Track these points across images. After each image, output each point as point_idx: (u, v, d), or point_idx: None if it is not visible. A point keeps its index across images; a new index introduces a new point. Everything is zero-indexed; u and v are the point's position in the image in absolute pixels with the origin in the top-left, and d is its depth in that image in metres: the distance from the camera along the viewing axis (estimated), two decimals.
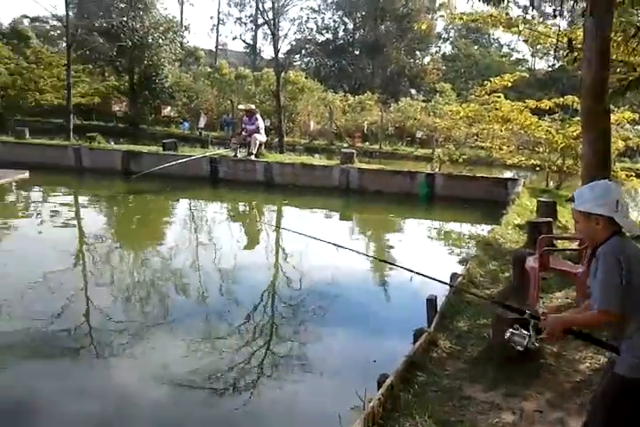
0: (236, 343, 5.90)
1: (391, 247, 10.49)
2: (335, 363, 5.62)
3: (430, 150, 21.37)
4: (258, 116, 15.36)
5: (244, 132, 15.07)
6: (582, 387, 4.41)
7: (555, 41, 10.29)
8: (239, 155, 14.94)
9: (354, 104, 32.86)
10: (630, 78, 8.41)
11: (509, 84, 14.65)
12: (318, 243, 8.61)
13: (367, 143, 28.21)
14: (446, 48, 57.36)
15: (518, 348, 2.79)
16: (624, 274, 2.54)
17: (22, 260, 8.17)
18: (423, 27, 10.10)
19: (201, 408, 4.75)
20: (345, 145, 26.24)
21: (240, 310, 6.84)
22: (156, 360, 5.49)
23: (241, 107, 16.93)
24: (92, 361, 5.45)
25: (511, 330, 2.85)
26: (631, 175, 12.47)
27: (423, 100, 34.71)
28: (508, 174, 18.78)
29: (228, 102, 29.62)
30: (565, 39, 9.76)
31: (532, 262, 6.09)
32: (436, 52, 57.39)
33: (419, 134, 27.60)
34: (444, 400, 4.16)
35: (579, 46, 8.73)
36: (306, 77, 32.86)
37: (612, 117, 13.76)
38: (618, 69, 9.01)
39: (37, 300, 6.71)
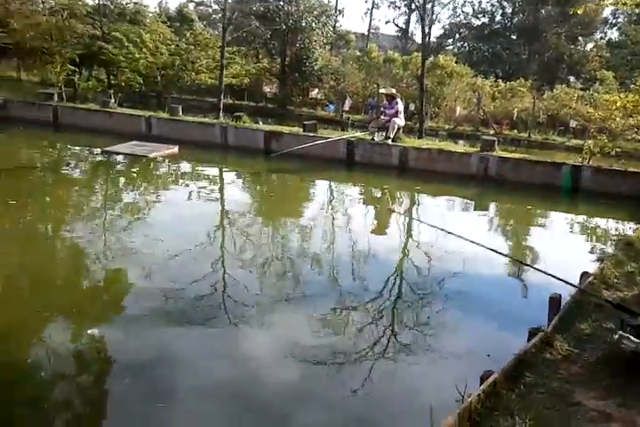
0: (360, 323, 6.06)
1: (525, 241, 10.08)
2: (451, 353, 5.55)
3: (583, 141, 20.14)
4: (398, 100, 15.24)
5: (382, 116, 15.05)
6: None
7: None
8: (377, 138, 14.92)
9: (504, 90, 31.61)
10: None
11: None
12: (447, 229, 8.55)
13: (515, 131, 27.12)
14: (613, 34, 53.42)
15: (626, 349, 2.64)
16: None
17: (170, 229, 8.84)
18: (579, 11, 9.40)
19: (320, 385, 4.96)
20: (491, 132, 25.40)
21: (368, 291, 6.97)
22: (283, 333, 5.79)
23: (382, 91, 16.89)
24: (224, 329, 5.78)
25: (620, 332, 2.68)
26: None
27: (581, 89, 32.65)
28: None
29: (375, 86, 29.63)
30: None
31: None
32: (601, 38, 53.68)
33: (572, 124, 26.03)
34: (550, 404, 3.94)
35: None
36: (457, 62, 32.03)
37: None
38: None
39: (181, 267, 7.22)
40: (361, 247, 8.78)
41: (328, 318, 6.13)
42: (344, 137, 15.12)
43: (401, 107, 15.12)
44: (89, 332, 5.31)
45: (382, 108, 15.39)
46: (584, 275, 6.49)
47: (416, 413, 4.42)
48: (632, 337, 2.63)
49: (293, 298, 6.62)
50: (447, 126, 27.78)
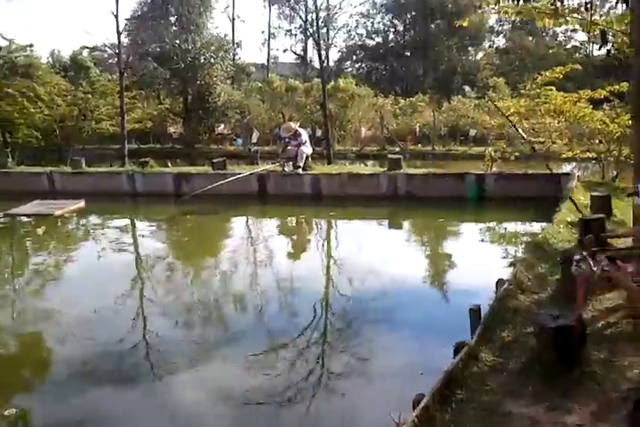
0: (292, 358, 5.99)
1: (441, 253, 10.36)
2: (384, 376, 5.57)
3: (484, 149, 20.94)
4: (301, 131, 15.45)
5: (288, 148, 15.16)
6: (631, 396, 4.16)
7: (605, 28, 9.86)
8: (287, 169, 15.01)
9: (405, 107, 32.59)
10: None
11: (561, 76, 14.19)
12: (368, 253, 8.77)
13: (420, 145, 27.95)
14: (500, 41, 56.36)
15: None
16: None
17: (86, 286, 8.50)
18: (465, 24, 9.91)
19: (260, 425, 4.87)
20: (397, 149, 26.04)
21: (296, 323, 6.96)
22: (213, 380, 5.63)
23: (283, 134, 16.28)
24: (152, 382, 5.63)
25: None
26: None
27: (476, 97, 34.10)
28: (566, 168, 18.17)
29: (280, 115, 29.90)
30: (617, 26, 9.39)
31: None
32: (490, 46, 56.52)
33: (472, 133, 27.12)
34: (482, 418, 4.00)
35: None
36: (357, 84, 32.78)
37: None
38: None
39: (102, 324, 6.97)
40: (284, 280, 8.76)
41: (259, 358, 6.00)
42: (254, 171, 15.12)
43: (305, 136, 15.30)
44: (6, 413, 4.99)
45: (287, 140, 15.43)
46: (499, 282, 6.69)
47: None
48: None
49: (221, 342, 6.53)
50: (355, 148, 28.27)
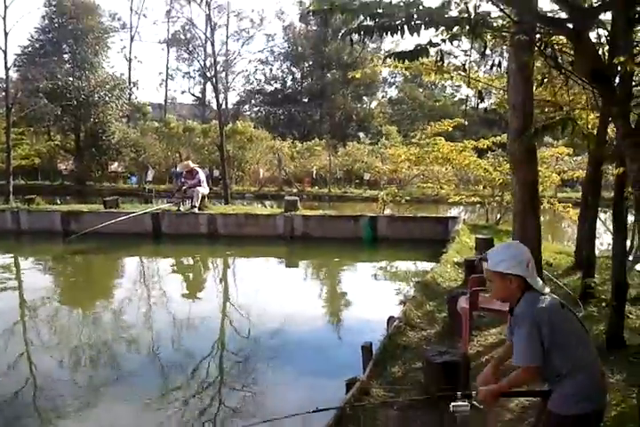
0: (187, 398, 5.85)
1: (335, 291, 10.54)
2: (279, 412, 5.44)
3: (377, 192, 21.71)
4: (199, 170, 15.39)
5: (184, 187, 15.05)
6: (514, 425, 4.38)
7: (485, 85, 10.56)
8: (182, 208, 14.83)
9: (302, 150, 33.25)
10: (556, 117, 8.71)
11: (449, 129, 15.03)
12: (265, 292, 8.71)
13: (316, 187, 28.49)
14: (392, 92, 59.03)
15: (464, 414, 2.88)
16: (545, 332, 2.72)
17: None
18: (358, 75, 10.34)
19: None
20: (294, 190, 26.43)
21: (191, 363, 6.79)
22: (107, 421, 5.39)
23: (179, 169, 16.55)
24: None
25: (453, 403, 2.91)
26: (567, 206, 12.77)
27: (370, 143, 35.36)
28: (453, 211, 19.11)
29: (177, 155, 29.65)
30: (496, 83, 10.08)
31: (463, 303, 6.09)
32: (383, 96, 59.05)
33: (366, 176, 28.04)
34: None
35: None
36: (255, 127, 33.17)
37: (548, 153, 14.32)
38: (546, 109, 9.28)
39: None
40: (179, 319, 8.56)
41: (153, 399, 5.81)
42: (148, 210, 14.80)
43: (202, 176, 15.23)
44: None
45: (182, 179, 15.35)
46: (390, 319, 6.88)
47: None
48: (460, 402, 2.91)
49: (112, 384, 6.27)
50: (253, 189, 28.43)
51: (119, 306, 9.46)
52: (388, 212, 15.75)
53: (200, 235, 14.43)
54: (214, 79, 20.89)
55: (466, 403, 2.87)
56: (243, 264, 13.04)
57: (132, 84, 41.58)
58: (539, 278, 2.94)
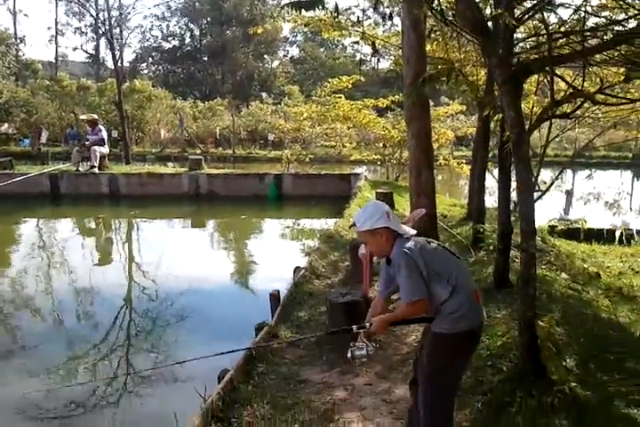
0: (96, 364, 5.75)
1: (245, 248, 10.70)
2: (194, 364, 5.57)
3: (282, 152, 21.80)
4: (101, 126, 14.94)
5: (87, 143, 14.60)
6: (409, 358, 4.77)
7: (382, 42, 10.81)
8: (82, 169, 14.42)
9: (204, 110, 32.68)
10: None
11: (349, 86, 15.24)
12: (172, 253, 8.54)
13: (220, 149, 28.19)
14: (294, 51, 58.62)
15: (364, 360, 3.21)
16: (421, 264, 2.98)
17: None
18: (259, 31, 10.24)
19: None
20: (197, 152, 26.04)
21: (99, 328, 6.68)
22: (11, 393, 5.14)
23: (82, 117, 16.31)
24: None
25: (350, 349, 3.20)
26: (461, 162, 13.43)
27: (273, 103, 35.20)
28: (357, 170, 19.53)
29: (72, 115, 28.39)
30: (393, 40, 10.35)
31: (363, 249, 6.43)
32: (285, 55, 58.56)
33: (270, 137, 28.02)
34: (282, 386, 4.35)
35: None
36: (153, 86, 32.19)
37: (442, 110, 14.88)
38: (439, 66, 9.63)
39: None
40: (83, 284, 8.32)
41: (60, 367, 5.65)
42: (46, 171, 14.31)
43: (104, 134, 14.82)
44: None
45: (87, 136, 14.91)
46: (297, 269, 7.17)
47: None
48: (357, 343, 3.22)
49: (17, 354, 6.05)
50: (154, 150, 27.76)
51: (18, 272, 9.00)
52: (292, 171, 15.96)
53: (102, 195, 14.16)
54: (109, 34, 20.01)
55: (361, 344, 3.16)
56: (148, 225, 12.91)
57: (18, 40, 39.18)
58: (403, 225, 3.22)
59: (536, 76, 6.93)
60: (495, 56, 4.03)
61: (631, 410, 3.91)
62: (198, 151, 26.10)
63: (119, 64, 22.08)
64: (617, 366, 4.59)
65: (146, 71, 53.35)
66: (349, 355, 3.19)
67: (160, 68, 53.91)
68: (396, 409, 3.96)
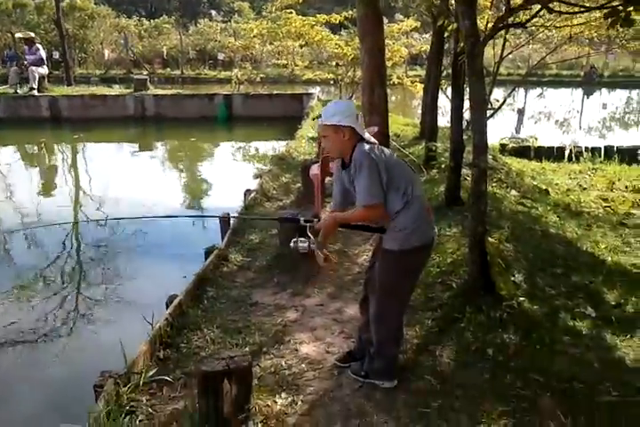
0: (46, 291, 5.62)
1: (195, 171, 10.46)
2: (146, 289, 5.53)
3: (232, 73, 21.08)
4: (39, 46, 14.09)
5: (25, 63, 13.80)
6: (360, 278, 4.74)
7: None
8: (20, 91, 13.66)
9: (150, 29, 31.13)
10: None
11: (300, 1, 14.51)
12: (119, 178, 8.10)
13: (168, 69, 27.09)
14: None
15: (303, 251, 3.14)
16: (381, 167, 2.87)
17: None
18: None
19: (20, 363, 4.52)
20: (144, 73, 25.01)
21: (47, 258, 6.46)
22: None
23: (18, 35, 15.31)
24: None
25: (294, 239, 3.15)
26: (415, 81, 13.15)
27: (223, 21, 33.70)
28: (311, 91, 19.06)
29: (8, 35, 26.70)
30: None
31: (315, 170, 6.30)
32: None
33: (220, 56, 26.90)
34: (232, 310, 4.29)
35: None
36: (96, 3, 30.33)
37: (396, 27, 14.40)
38: None
39: None
40: (29, 212, 8.00)
41: (8, 296, 5.48)
42: None
43: (43, 53, 14.01)
44: None
45: (24, 56, 14.04)
46: (247, 192, 7.02)
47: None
48: (302, 238, 3.14)
49: None
50: (98, 71, 26.50)
51: None
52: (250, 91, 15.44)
53: (42, 118, 13.49)
54: None
55: (306, 244, 3.10)
56: (93, 149, 12.42)
57: None
58: (366, 130, 3.09)
59: None
60: None
61: (576, 322, 4.01)
62: (145, 72, 25.03)
63: None
64: (563, 281, 4.69)
65: None
66: (292, 245, 3.16)
67: None
68: (346, 329, 3.95)
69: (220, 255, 5.11)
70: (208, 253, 5.19)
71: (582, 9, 4.24)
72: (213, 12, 41.96)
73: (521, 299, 4.12)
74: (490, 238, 4.35)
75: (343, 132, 2.96)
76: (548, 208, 6.66)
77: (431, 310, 4.09)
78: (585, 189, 8.09)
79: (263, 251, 5.39)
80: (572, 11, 4.55)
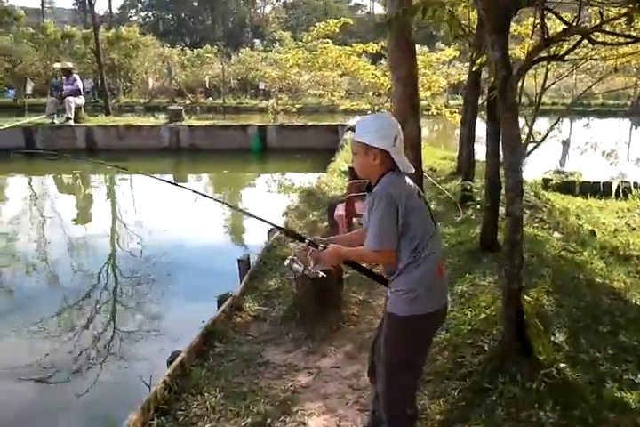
0: (80, 324, 5.54)
1: (223, 206, 10.19)
2: (174, 330, 5.21)
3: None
4: (76, 76, 14.27)
5: (63, 93, 13.93)
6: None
7: None
8: (57, 121, 13.75)
9: (193, 58, 31.57)
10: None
11: (336, 30, 14.32)
12: (155, 209, 8.45)
13: (210, 98, 27.33)
14: None
15: (297, 274, 2.93)
16: (400, 212, 2.48)
17: None
18: None
19: (46, 399, 4.39)
20: (187, 102, 25.26)
21: (84, 286, 6.42)
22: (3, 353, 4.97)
23: (57, 66, 15.54)
24: None
25: (290, 257, 2.78)
26: (454, 112, 12.74)
27: (264, 51, 33.98)
28: (351, 121, 18.78)
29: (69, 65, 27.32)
30: None
31: (340, 210, 5.95)
32: (278, 0, 56.71)
33: (262, 86, 26.98)
34: (240, 370, 3.91)
35: None
36: (143, 33, 30.97)
37: (434, 56, 14.06)
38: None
39: None
40: (68, 243, 8.00)
41: (45, 326, 5.40)
42: (18, 123, 13.63)
43: (80, 84, 14.17)
44: None
45: (62, 86, 14.22)
46: (271, 231, 6.66)
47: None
48: (300, 261, 2.76)
49: (4, 311, 5.82)
50: (142, 100, 26.91)
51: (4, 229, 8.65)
52: (284, 122, 15.22)
53: (78, 149, 13.47)
54: None
55: (301, 268, 2.74)
56: (128, 180, 12.30)
57: None
58: (405, 157, 2.65)
59: (532, 18, 6.30)
60: None
61: (624, 393, 3.50)
62: (188, 101, 25.30)
63: (108, 11, 21.16)
64: (610, 340, 4.17)
65: (135, 18, 51.75)
66: (286, 262, 2.79)
67: (150, 14, 52.21)
68: (362, 398, 3.54)
69: (233, 305, 4.76)
70: (221, 301, 4.83)
71: (629, 40, 3.81)
72: (257, 42, 42.51)
73: (562, 365, 3.64)
74: (526, 297, 3.89)
75: (374, 155, 2.56)
76: (594, 252, 6.12)
77: (459, 379, 3.61)
78: (634, 229, 7.52)
79: (282, 298, 5.02)
80: (616, 42, 4.14)
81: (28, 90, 24.36)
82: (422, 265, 2.55)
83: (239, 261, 5.63)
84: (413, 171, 2.69)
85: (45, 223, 9.18)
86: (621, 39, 3.95)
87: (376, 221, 2.50)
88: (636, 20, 3.56)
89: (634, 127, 23.84)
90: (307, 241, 2.75)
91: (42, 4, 48.26)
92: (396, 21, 4.16)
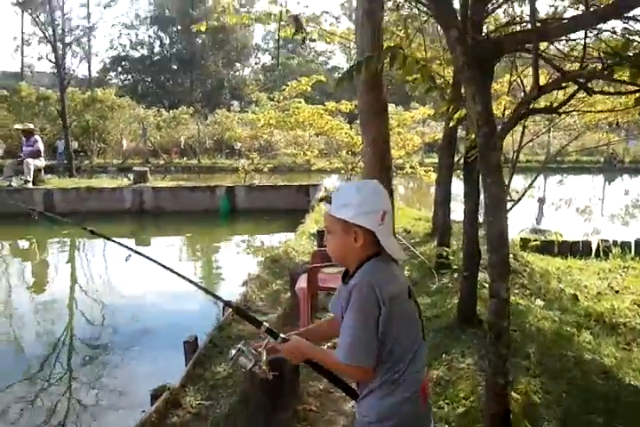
0: (33, 396, 5.05)
1: (184, 272, 9.48)
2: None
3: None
4: (37, 137, 13.76)
5: (21, 154, 13.45)
6: None
7: (342, 39, 9.76)
8: (14, 184, 13.12)
9: (168, 119, 31.52)
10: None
11: (308, 89, 14.08)
12: (111, 275, 8.12)
13: (185, 158, 27.09)
14: (266, 58, 57.96)
15: (242, 370, 2.09)
16: (383, 316, 1.84)
17: None
18: (202, 28, 8.87)
19: None
20: (161, 162, 24.97)
21: (36, 357, 5.94)
22: None
23: (17, 127, 15.08)
24: None
25: (239, 345, 2.08)
26: (429, 170, 12.37)
27: (240, 111, 34.14)
28: (327, 180, 18.41)
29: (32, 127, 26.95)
30: (352, 36, 9.29)
31: (302, 282, 5.30)
32: (256, 62, 57.79)
33: (237, 146, 26.91)
34: None
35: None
36: (121, 95, 30.97)
37: (409, 115, 13.80)
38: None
39: None
40: (19, 312, 7.48)
41: None
42: None
43: (41, 145, 13.65)
44: None
45: (22, 147, 13.74)
46: (226, 305, 5.96)
47: None
48: (253, 349, 2.07)
49: None
50: (116, 161, 26.54)
51: None
52: (256, 182, 14.76)
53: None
54: (52, 40, 19.00)
55: (251, 363, 2.03)
56: (86, 245, 11.59)
57: None
58: (394, 239, 2.04)
59: (508, 75, 5.92)
60: (454, 28, 2.92)
61: None
62: (162, 162, 24.99)
63: (86, 74, 21.06)
64: None
65: (115, 81, 52.14)
66: (230, 356, 2.07)
67: (129, 77, 52.65)
68: None
69: (170, 400, 4.02)
70: (155, 396, 4.08)
71: (630, 89, 3.32)
72: (235, 103, 42.84)
73: None
74: (514, 394, 3.25)
75: (355, 235, 1.95)
76: (580, 320, 5.56)
77: None
78: (617, 291, 6.99)
79: (231, 389, 4.29)
80: (617, 90, 3.70)
81: (0, 152, 23.96)
82: (402, 387, 1.94)
83: (185, 343, 4.90)
84: (404, 258, 2.16)
85: None
86: (622, 88, 3.49)
87: (350, 327, 1.90)
88: None
89: (607, 183, 23.93)
90: (263, 328, 2.11)
91: (21, 68, 48.59)
92: (358, 71, 3.65)
